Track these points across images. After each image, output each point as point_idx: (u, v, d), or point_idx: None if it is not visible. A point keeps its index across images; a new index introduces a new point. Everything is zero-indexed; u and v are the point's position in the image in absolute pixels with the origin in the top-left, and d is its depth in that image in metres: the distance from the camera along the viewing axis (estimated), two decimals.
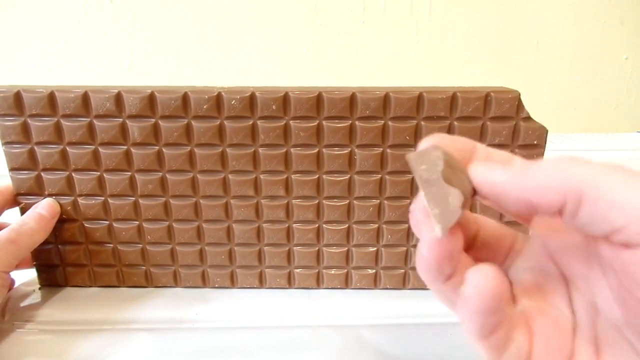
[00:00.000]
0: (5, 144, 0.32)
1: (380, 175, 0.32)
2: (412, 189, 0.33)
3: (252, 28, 0.58)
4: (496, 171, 0.17)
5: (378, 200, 0.33)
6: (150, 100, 0.30)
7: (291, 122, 0.31)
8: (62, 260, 0.35)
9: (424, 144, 0.18)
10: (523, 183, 0.16)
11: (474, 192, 0.18)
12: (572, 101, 0.64)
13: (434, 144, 0.18)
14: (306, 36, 0.59)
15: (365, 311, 0.34)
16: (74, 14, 0.56)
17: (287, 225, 0.34)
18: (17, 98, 0.30)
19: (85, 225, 0.34)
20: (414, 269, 0.35)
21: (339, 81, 0.32)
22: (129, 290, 0.36)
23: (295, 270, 0.35)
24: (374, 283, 0.36)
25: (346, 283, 0.36)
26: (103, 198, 0.33)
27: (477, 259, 0.19)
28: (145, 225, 0.34)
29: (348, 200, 0.33)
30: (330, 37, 0.59)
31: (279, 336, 0.31)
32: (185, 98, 0.30)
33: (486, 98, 0.30)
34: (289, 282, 0.36)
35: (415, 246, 0.34)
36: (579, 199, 0.15)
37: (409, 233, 0.34)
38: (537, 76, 0.62)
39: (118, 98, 0.30)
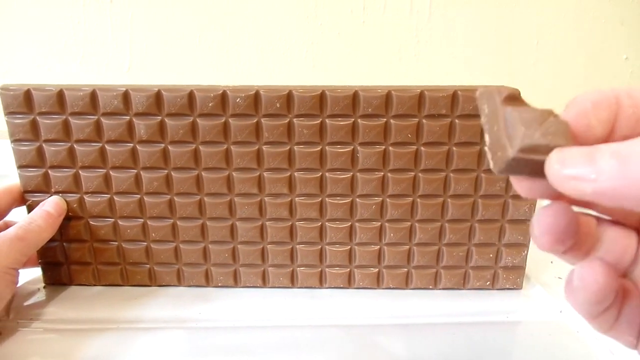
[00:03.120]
0: (14, 141, 0.32)
1: (382, 173, 0.33)
2: (414, 187, 0.33)
3: (252, 28, 0.58)
4: (582, 181, 0.14)
5: (380, 198, 0.33)
6: (157, 98, 0.31)
7: (295, 119, 0.31)
8: (67, 259, 0.35)
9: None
10: (619, 196, 0.13)
11: None
12: None
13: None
14: (306, 36, 0.59)
15: (368, 311, 0.34)
16: (74, 14, 0.56)
17: (290, 223, 0.34)
18: (27, 96, 0.31)
19: (91, 222, 0.34)
20: (416, 267, 0.35)
21: (339, 81, 0.33)
22: (132, 289, 0.36)
23: (298, 268, 0.35)
24: (377, 282, 0.36)
25: (349, 282, 0.36)
26: (109, 195, 0.33)
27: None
28: (149, 222, 0.34)
29: (351, 198, 0.33)
30: (330, 37, 0.59)
31: (282, 335, 0.31)
32: (191, 96, 0.31)
33: None
34: (292, 282, 0.36)
35: (417, 245, 0.35)
36: None
37: (411, 231, 0.34)
38: (537, 76, 0.62)
39: (125, 96, 0.31)
